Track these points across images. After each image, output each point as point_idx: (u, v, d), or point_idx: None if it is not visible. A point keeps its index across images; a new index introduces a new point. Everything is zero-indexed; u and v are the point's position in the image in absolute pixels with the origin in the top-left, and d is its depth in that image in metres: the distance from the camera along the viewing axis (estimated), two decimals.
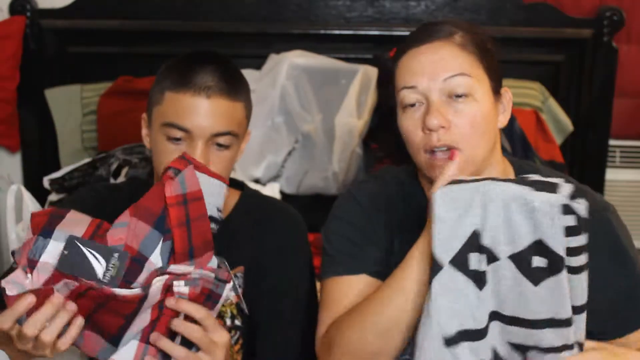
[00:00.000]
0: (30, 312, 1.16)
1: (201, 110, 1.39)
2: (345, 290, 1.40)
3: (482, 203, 1.20)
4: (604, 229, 1.39)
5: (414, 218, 1.44)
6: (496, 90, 1.39)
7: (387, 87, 2.55)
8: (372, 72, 2.55)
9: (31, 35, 2.61)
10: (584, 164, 2.73)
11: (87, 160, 2.45)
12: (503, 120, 1.41)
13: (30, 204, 2.05)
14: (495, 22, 2.62)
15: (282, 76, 2.51)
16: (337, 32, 2.65)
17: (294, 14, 2.66)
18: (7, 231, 2.10)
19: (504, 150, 1.58)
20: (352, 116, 2.49)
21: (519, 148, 2.40)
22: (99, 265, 1.18)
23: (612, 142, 2.79)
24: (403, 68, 1.38)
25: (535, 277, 1.18)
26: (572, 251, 1.20)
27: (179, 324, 1.25)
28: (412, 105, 1.36)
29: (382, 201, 1.46)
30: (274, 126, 2.53)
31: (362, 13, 2.68)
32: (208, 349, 1.27)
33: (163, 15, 2.62)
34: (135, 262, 1.22)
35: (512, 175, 1.43)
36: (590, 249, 1.29)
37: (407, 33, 2.78)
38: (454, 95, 1.34)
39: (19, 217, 2.09)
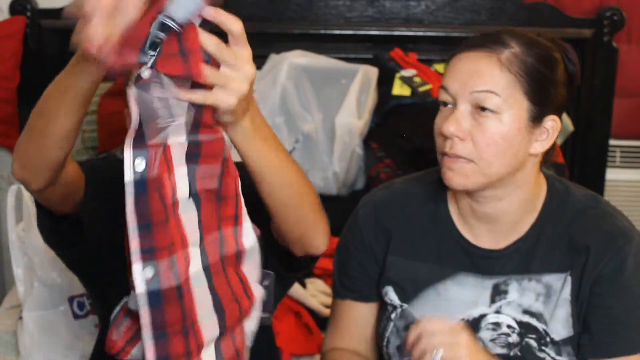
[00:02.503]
0: None
1: None
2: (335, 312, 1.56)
3: None
4: (615, 260, 1.39)
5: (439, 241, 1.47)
6: (536, 116, 1.36)
7: (387, 87, 2.55)
8: (372, 72, 2.55)
9: (31, 35, 2.61)
10: (584, 164, 2.73)
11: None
12: (539, 147, 1.38)
13: (31, 204, 2.05)
14: (495, 22, 2.62)
15: (282, 76, 2.52)
16: (337, 32, 2.65)
17: (294, 14, 2.66)
18: (7, 231, 2.10)
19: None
20: (353, 116, 2.50)
21: None
22: None
23: (612, 142, 2.79)
24: (447, 68, 1.39)
25: None
26: None
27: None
28: (445, 104, 1.37)
29: (393, 215, 1.49)
30: (274, 126, 2.53)
31: (362, 13, 2.68)
32: (233, 63, 1.09)
33: None
34: None
35: (540, 201, 1.44)
36: (597, 275, 1.33)
37: (407, 33, 2.80)
38: (480, 109, 1.34)
39: (19, 217, 2.09)
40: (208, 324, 1.15)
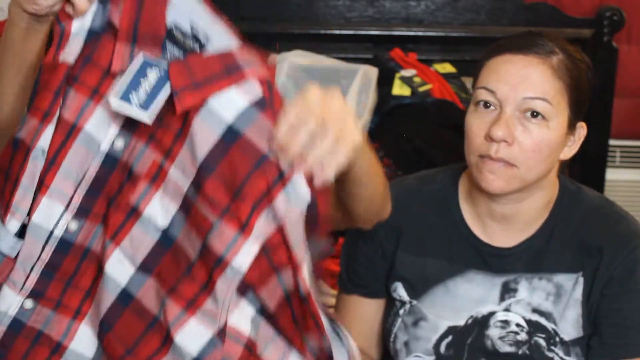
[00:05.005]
0: None
1: None
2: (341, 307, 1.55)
3: None
4: (627, 263, 1.39)
5: (447, 238, 1.47)
6: (572, 123, 1.38)
7: (387, 87, 2.55)
8: (372, 72, 2.54)
9: None
10: (584, 164, 2.72)
11: None
12: (568, 152, 1.40)
13: None
14: (495, 22, 2.62)
15: (282, 76, 2.51)
16: (337, 32, 2.65)
17: (294, 14, 2.66)
18: None
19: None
20: None
21: None
22: None
23: (612, 142, 2.79)
24: (491, 68, 1.37)
25: None
26: None
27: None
28: (486, 105, 1.36)
29: (404, 215, 1.48)
30: None
31: (362, 13, 2.68)
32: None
33: None
34: None
35: (552, 200, 1.44)
36: (608, 277, 1.34)
37: (407, 33, 2.80)
38: (528, 114, 1.34)
39: None
40: (94, 323, 1.16)
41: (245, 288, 1.10)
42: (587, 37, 2.60)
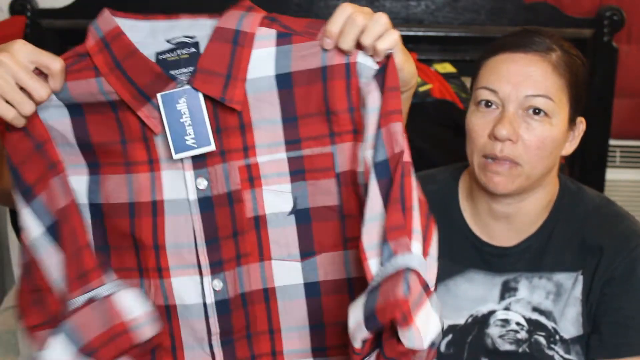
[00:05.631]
0: None
1: None
2: None
3: None
4: (627, 262, 1.40)
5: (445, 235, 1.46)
6: (572, 119, 1.39)
7: None
8: None
9: (31, 35, 2.61)
10: (584, 164, 2.72)
11: None
12: (569, 148, 1.41)
13: None
14: (495, 22, 2.61)
15: None
16: None
17: (294, 13, 2.66)
18: (7, 231, 2.10)
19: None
20: None
21: None
22: None
23: (612, 142, 2.79)
24: (491, 68, 1.38)
25: None
26: None
27: None
28: (488, 105, 1.36)
29: None
30: None
31: None
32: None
33: (163, 15, 2.62)
34: None
35: (553, 199, 1.44)
36: (609, 276, 1.33)
37: (407, 33, 2.80)
38: (531, 111, 1.34)
39: None
40: (292, 335, 1.15)
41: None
42: (587, 37, 2.60)
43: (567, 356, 1.42)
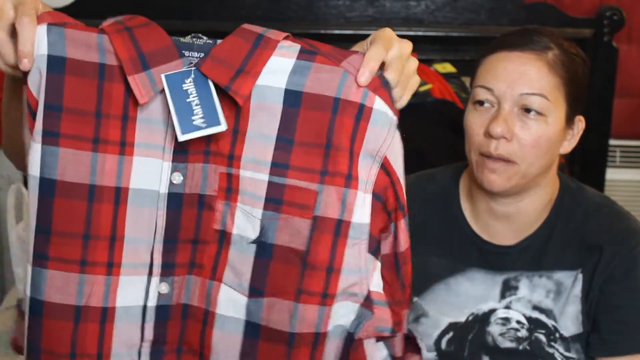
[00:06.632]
0: None
1: None
2: None
3: None
4: (627, 260, 1.40)
5: (447, 234, 1.47)
6: (570, 117, 1.39)
7: None
8: None
9: None
10: (584, 164, 2.72)
11: None
12: (567, 146, 1.41)
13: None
14: (495, 22, 2.62)
15: None
16: (337, 32, 2.65)
17: (294, 13, 2.66)
18: (7, 231, 2.10)
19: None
20: None
21: None
22: None
23: (612, 142, 2.79)
24: (487, 67, 1.38)
25: None
26: None
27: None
28: (483, 103, 1.36)
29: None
30: None
31: (362, 13, 2.68)
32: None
33: (163, 15, 2.61)
34: None
35: (553, 198, 1.45)
36: (608, 274, 1.34)
37: (407, 33, 2.80)
38: (525, 110, 1.34)
39: (20, 217, 2.09)
40: None
41: (375, 243, 1.04)
42: (587, 37, 2.60)
43: (567, 354, 1.42)
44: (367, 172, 1.01)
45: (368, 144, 1.00)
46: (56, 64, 1.00)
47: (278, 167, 1.01)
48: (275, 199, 1.01)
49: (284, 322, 1.02)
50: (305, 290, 1.01)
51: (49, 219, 1.00)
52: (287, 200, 1.01)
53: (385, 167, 1.02)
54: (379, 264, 1.06)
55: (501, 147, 1.34)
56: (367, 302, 1.04)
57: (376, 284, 1.05)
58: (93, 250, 1.01)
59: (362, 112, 1.00)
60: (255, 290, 1.02)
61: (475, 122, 1.37)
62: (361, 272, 1.03)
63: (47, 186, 1.00)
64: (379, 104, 1.00)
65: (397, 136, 1.03)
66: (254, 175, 1.01)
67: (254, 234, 1.02)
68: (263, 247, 1.02)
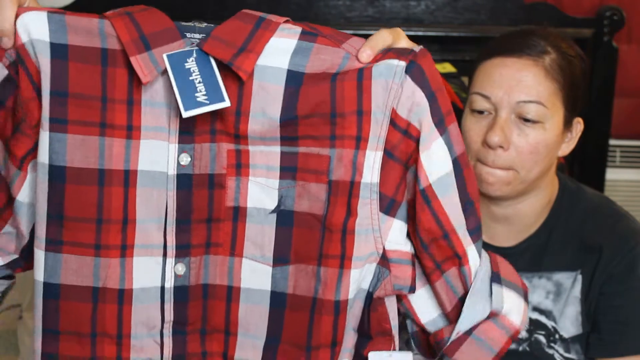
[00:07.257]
0: None
1: None
2: None
3: None
4: (626, 261, 1.40)
5: None
6: (568, 120, 1.38)
7: None
8: None
9: None
10: (583, 164, 2.73)
11: None
12: (566, 149, 1.41)
13: None
14: (495, 22, 2.61)
15: None
16: None
17: (294, 13, 2.66)
18: None
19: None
20: None
21: None
22: None
23: (612, 142, 2.79)
24: (484, 73, 1.37)
25: None
26: None
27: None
28: (481, 112, 1.36)
29: None
30: None
31: (362, 13, 2.68)
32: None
33: None
34: None
35: (552, 199, 1.44)
36: (608, 275, 1.34)
37: (407, 33, 2.80)
38: (523, 118, 1.33)
39: None
40: (246, 343, 1.07)
41: (390, 202, 1.05)
42: (587, 37, 2.60)
43: (567, 355, 1.42)
44: (378, 128, 1.02)
45: (377, 98, 1.01)
46: (59, 51, 1.01)
47: (287, 139, 1.03)
48: (290, 167, 1.03)
49: (310, 287, 1.04)
50: (326, 254, 1.03)
51: (61, 205, 1.02)
52: (301, 167, 1.03)
53: (395, 122, 1.02)
54: (395, 222, 1.07)
55: (498, 159, 1.33)
56: (383, 261, 1.06)
57: (393, 242, 1.07)
58: (106, 234, 1.03)
59: (362, 72, 1.02)
60: (280, 259, 1.05)
61: (472, 129, 1.37)
62: (374, 231, 1.04)
63: (57, 173, 1.02)
64: (380, 61, 1.02)
65: (419, 74, 1.02)
66: (265, 148, 1.03)
67: (272, 204, 1.04)
68: (283, 216, 1.04)
